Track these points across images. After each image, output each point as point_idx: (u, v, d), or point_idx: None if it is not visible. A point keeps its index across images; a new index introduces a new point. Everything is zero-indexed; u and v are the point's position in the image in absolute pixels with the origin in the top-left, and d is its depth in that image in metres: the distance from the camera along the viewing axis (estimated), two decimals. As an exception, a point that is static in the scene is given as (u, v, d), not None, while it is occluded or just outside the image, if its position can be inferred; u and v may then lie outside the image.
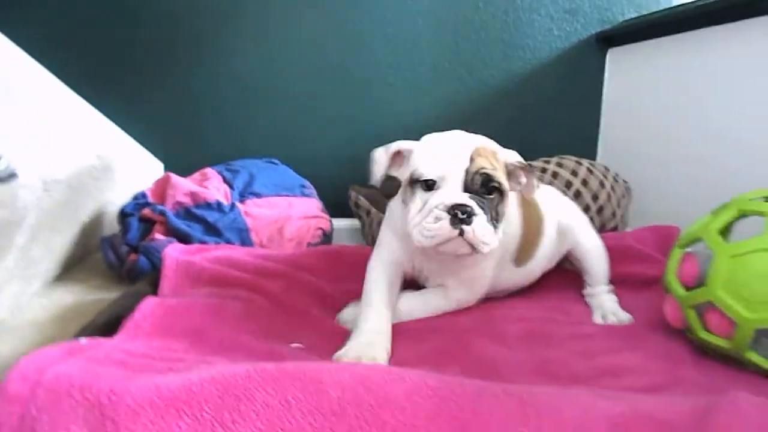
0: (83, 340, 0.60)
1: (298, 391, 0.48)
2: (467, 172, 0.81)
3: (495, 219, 0.83)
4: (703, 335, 0.79)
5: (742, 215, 0.80)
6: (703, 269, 0.80)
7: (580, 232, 1.10)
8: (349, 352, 0.77)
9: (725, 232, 0.86)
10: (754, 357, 0.74)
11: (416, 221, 0.82)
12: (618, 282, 1.17)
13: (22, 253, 0.99)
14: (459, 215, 0.78)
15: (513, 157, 0.89)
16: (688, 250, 0.85)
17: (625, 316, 0.99)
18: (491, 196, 0.83)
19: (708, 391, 0.71)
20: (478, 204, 0.80)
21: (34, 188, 0.98)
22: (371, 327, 0.82)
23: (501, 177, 0.83)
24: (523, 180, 0.89)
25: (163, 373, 0.53)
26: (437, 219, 0.79)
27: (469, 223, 0.78)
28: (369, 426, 0.45)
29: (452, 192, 0.80)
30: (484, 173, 0.81)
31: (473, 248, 0.80)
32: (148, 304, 0.76)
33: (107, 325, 0.75)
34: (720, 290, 0.74)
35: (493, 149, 0.87)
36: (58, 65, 1.46)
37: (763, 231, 0.73)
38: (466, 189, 0.81)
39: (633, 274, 1.16)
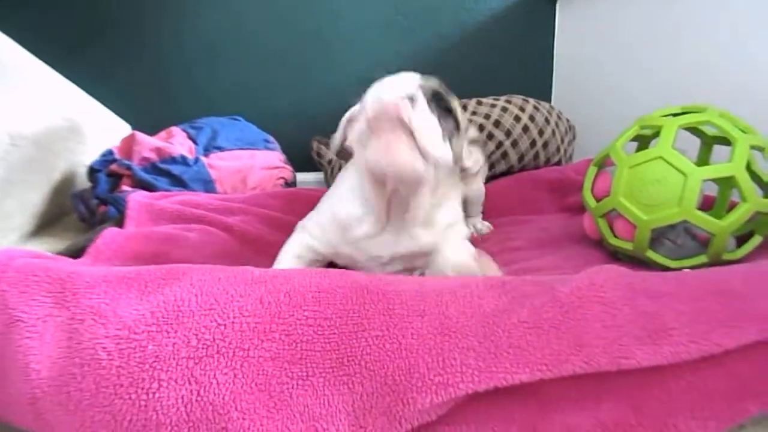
0: (47, 253, 0.68)
1: (227, 271, 0.57)
2: (421, 87, 0.69)
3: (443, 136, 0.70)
4: (613, 241, 0.89)
5: (644, 129, 0.90)
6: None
7: None
8: None
9: (643, 149, 0.96)
10: (653, 256, 0.84)
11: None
12: (558, 211, 1.27)
13: (-4, 203, 1.06)
14: (399, 101, 0.65)
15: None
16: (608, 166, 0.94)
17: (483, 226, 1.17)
18: (447, 117, 0.72)
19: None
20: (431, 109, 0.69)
21: (0, 141, 1.05)
22: None
23: (455, 102, 0.74)
24: (475, 156, 0.83)
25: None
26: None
27: (413, 106, 0.66)
28: (283, 286, 0.54)
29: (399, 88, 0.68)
30: (432, 89, 0.71)
31: (416, 140, 0.65)
32: (110, 233, 0.83)
33: (73, 253, 0.83)
34: (621, 197, 0.83)
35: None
36: (19, 31, 1.50)
37: (657, 142, 0.82)
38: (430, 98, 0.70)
39: (571, 203, 1.26)
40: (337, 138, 0.84)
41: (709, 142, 0.94)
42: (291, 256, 0.83)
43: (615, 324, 0.50)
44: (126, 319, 0.50)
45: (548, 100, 1.93)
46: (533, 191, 1.30)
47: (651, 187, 0.80)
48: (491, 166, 1.36)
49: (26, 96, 1.36)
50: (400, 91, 0.66)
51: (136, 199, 1.05)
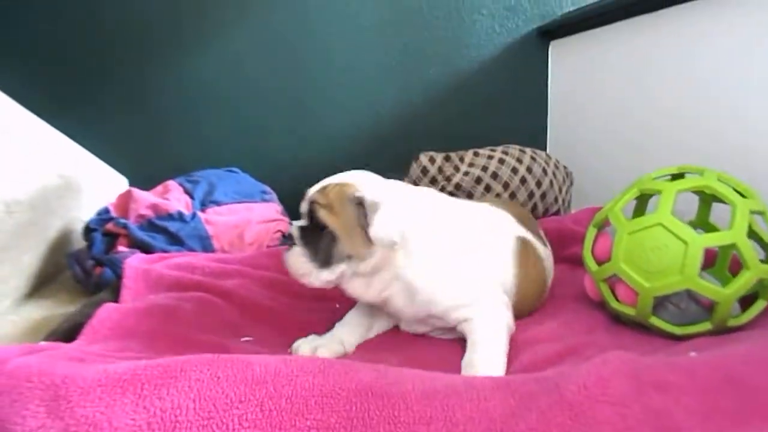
0: (42, 344, 0.66)
1: (227, 369, 0.55)
2: (307, 202, 0.85)
3: (323, 254, 0.82)
4: (615, 305, 0.88)
5: (643, 194, 0.90)
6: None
7: None
8: (303, 345, 0.87)
9: (641, 210, 0.96)
10: (656, 321, 0.83)
11: None
12: (557, 262, 1.26)
13: (-10, 272, 1.04)
14: (288, 242, 0.85)
15: (368, 197, 0.82)
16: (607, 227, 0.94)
17: None
18: (323, 232, 0.82)
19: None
20: (301, 235, 0.84)
21: (-4, 210, 1.04)
22: (334, 333, 0.91)
23: (323, 214, 0.81)
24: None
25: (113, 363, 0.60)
26: None
27: (289, 249, 0.85)
28: (285, 390, 0.53)
29: (297, 222, 0.87)
30: (313, 207, 0.83)
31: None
32: (106, 309, 0.82)
33: (68, 331, 0.82)
34: (622, 263, 0.83)
35: (345, 187, 0.83)
36: (11, 86, 1.51)
37: (656, 208, 0.82)
38: (309, 219, 0.85)
39: (570, 254, 1.25)
40: None
41: (708, 200, 0.94)
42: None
43: (626, 426, 0.49)
44: (122, 431, 0.49)
45: (543, 144, 1.94)
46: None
47: (652, 254, 0.80)
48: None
49: (21, 152, 1.36)
50: (292, 226, 0.86)
51: (132, 265, 1.04)
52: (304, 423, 0.49)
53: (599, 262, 0.91)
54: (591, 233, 0.94)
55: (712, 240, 0.78)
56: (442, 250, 0.87)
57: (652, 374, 0.56)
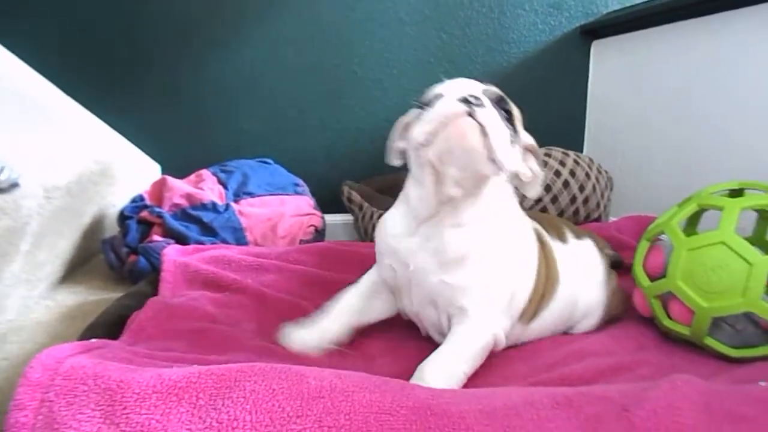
0: (93, 341, 0.66)
1: (282, 381, 0.54)
2: (484, 92, 0.71)
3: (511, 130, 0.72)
4: (667, 323, 0.85)
5: (702, 209, 0.86)
6: (668, 259, 0.85)
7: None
8: (283, 336, 0.82)
9: (694, 223, 0.92)
10: (711, 342, 0.80)
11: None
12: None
13: (28, 258, 1.04)
14: (468, 99, 0.66)
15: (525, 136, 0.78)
16: (659, 240, 0.91)
17: None
18: (508, 122, 0.72)
19: (667, 373, 0.77)
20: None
21: (35, 196, 1.03)
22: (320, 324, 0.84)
23: (515, 108, 0.75)
24: (530, 164, 0.79)
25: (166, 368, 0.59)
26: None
27: (480, 106, 0.66)
28: (343, 406, 0.51)
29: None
30: (497, 93, 0.72)
31: (485, 137, 0.65)
32: (151, 306, 0.81)
33: (112, 324, 0.81)
34: (679, 281, 0.80)
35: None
36: (52, 71, 1.51)
37: (718, 225, 0.79)
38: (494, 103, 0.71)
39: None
40: (392, 142, 0.83)
41: (766, 217, 0.91)
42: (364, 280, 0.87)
43: (699, 461, 0.47)
44: (178, 441, 0.47)
45: (580, 145, 1.90)
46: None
47: (712, 273, 0.77)
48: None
49: (58, 136, 1.36)
50: (467, 93, 0.68)
51: (170, 257, 1.03)
52: (366, 442, 0.47)
53: (651, 277, 0.88)
54: (643, 246, 0.91)
55: (779, 262, 0.74)
56: (509, 238, 0.78)
57: (724, 405, 0.54)
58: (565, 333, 0.93)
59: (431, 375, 0.70)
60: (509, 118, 0.72)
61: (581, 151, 1.90)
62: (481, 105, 0.66)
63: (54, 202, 1.10)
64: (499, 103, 0.71)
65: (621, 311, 0.97)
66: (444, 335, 0.78)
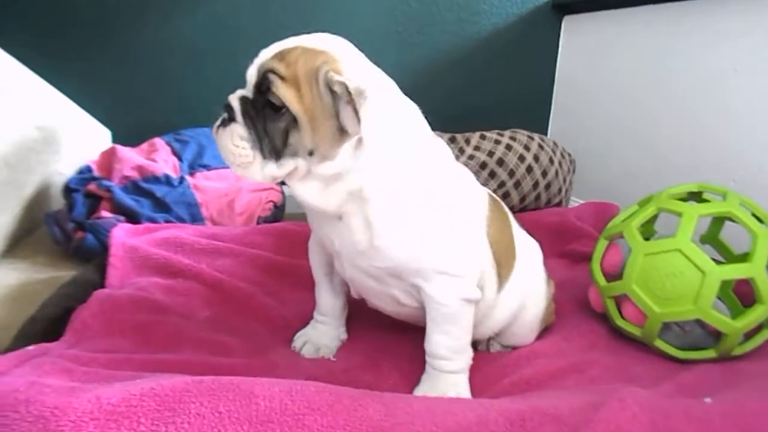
0: (31, 348, 0.62)
1: (230, 402, 0.52)
2: (258, 70, 0.64)
3: (274, 142, 0.63)
4: (619, 323, 0.86)
5: (661, 212, 0.86)
6: (625, 259, 0.86)
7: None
8: (297, 340, 0.84)
9: (651, 221, 0.93)
10: (661, 344, 0.82)
11: None
12: (556, 257, 1.24)
13: (-38, 235, 0.98)
14: (223, 116, 0.65)
15: (352, 82, 0.61)
16: (617, 239, 0.91)
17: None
18: (278, 114, 0.62)
19: (616, 375, 0.79)
20: (244, 110, 0.64)
21: (-31, 171, 0.96)
22: (318, 311, 0.86)
23: (284, 90, 0.61)
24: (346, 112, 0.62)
25: (107, 382, 0.56)
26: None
27: (225, 126, 0.65)
28: (292, 430, 0.50)
29: (240, 91, 0.66)
30: (268, 77, 0.62)
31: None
32: (96, 300, 0.77)
33: (53, 319, 0.77)
34: (634, 285, 0.81)
35: (319, 59, 0.62)
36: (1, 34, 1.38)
37: (675, 232, 0.79)
38: (257, 92, 0.64)
39: (570, 250, 1.23)
40: None
41: (722, 218, 0.92)
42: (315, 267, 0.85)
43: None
44: (117, 474, 0.45)
45: (546, 121, 1.89)
46: (533, 233, 1.25)
47: (667, 280, 0.78)
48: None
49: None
50: (234, 97, 0.65)
51: (119, 240, 0.98)
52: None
53: (607, 275, 0.89)
54: (601, 245, 0.91)
55: (731, 272, 0.76)
56: (424, 190, 0.67)
57: (669, 423, 0.55)
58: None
59: (446, 362, 0.72)
60: (272, 105, 0.62)
61: (546, 128, 1.89)
62: (230, 121, 0.64)
63: (-10, 176, 1.03)
64: (267, 93, 0.62)
65: (550, 322, 0.92)
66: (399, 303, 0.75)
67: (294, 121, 0.62)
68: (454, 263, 0.69)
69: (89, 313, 0.75)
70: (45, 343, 0.71)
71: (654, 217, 0.91)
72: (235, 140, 0.64)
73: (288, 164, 0.64)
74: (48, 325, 0.76)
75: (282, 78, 0.61)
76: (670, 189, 0.89)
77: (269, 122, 0.63)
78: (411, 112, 0.70)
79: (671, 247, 0.78)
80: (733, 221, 0.83)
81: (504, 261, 0.78)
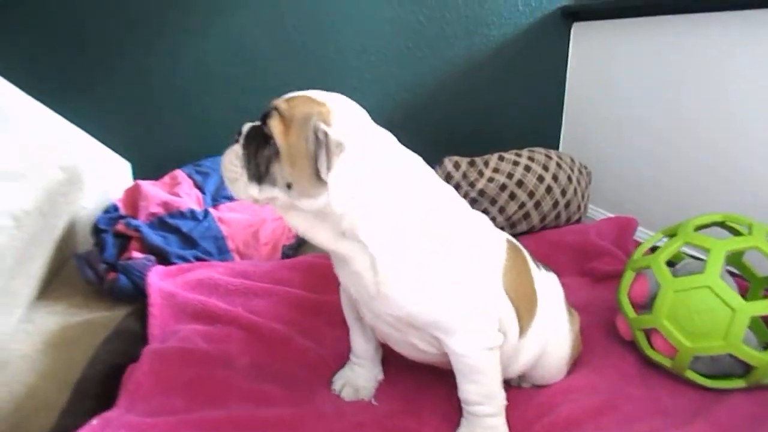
0: (94, 422, 0.65)
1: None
2: (270, 105, 0.70)
3: (258, 167, 0.69)
4: (650, 353, 0.89)
5: (686, 244, 0.88)
6: (652, 290, 0.88)
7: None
8: (336, 382, 0.87)
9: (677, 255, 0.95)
10: (691, 375, 0.85)
11: None
12: (578, 275, 1.26)
13: (3, 289, 1.00)
14: (234, 137, 0.72)
15: (335, 135, 0.66)
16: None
17: None
18: (267, 143, 0.68)
19: (650, 409, 0.81)
20: (248, 136, 0.71)
21: (6, 228, 0.98)
22: (353, 353, 0.89)
23: (275, 124, 0.67)
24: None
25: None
26: None
27: (232, 146, 0.72)
28: None
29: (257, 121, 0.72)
30: (271, 111, 0.69)
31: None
32: (146, 357, 0.80)
33: (104, 378, 0.80)
34: (664, 320, 0.83)
35: (316, 109, 0.68)
36: (14, 71, 1.39)
37: (704, 268, 0.81)
38: (262, 122, 0.70)
39: (591, 269, 1.25)
40: None
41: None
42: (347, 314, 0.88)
43: None
44: None
45: (558, 131, 1.90)
46: (554, 253, 1.29)
47: (697, 316, 0.80)
48: (512, 226, 1.34)
49: (18, 140, 1.28)
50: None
51: (156, 287, 1.01)
52: None
53: (635, 305, 0.91)
54: (629, 276, 0.93)
55: (760, 309, 0.78)
56: (424, 237, 0.70)
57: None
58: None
59: (481, 407, 0.75)
60: (264, 135, 0.68)
61: (558, 136, 1.90)
62: (236, 143, 0.71)
63: (26, 229, 1.05)
64: (257, 130, 0.70)
65: (577, 355, 0.92)
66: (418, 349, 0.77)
67: (277, 153, 0.68)
68: (471, 317, 0.72)
69: (141, 372, 0.78)
70: (98, 402, 0.74)
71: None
72: (231, 157, 0.71)
73: (267, 191, 0.70)
74: (98, 387, 0.79)
75: (280, 115, 0.69)
76: (695, 219, 0.90)
77: (260, 149, 0.69)
78: (410, 164, 0.74)
79: (700, 284, 0.80)
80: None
81: (523, 308, 0.80)
